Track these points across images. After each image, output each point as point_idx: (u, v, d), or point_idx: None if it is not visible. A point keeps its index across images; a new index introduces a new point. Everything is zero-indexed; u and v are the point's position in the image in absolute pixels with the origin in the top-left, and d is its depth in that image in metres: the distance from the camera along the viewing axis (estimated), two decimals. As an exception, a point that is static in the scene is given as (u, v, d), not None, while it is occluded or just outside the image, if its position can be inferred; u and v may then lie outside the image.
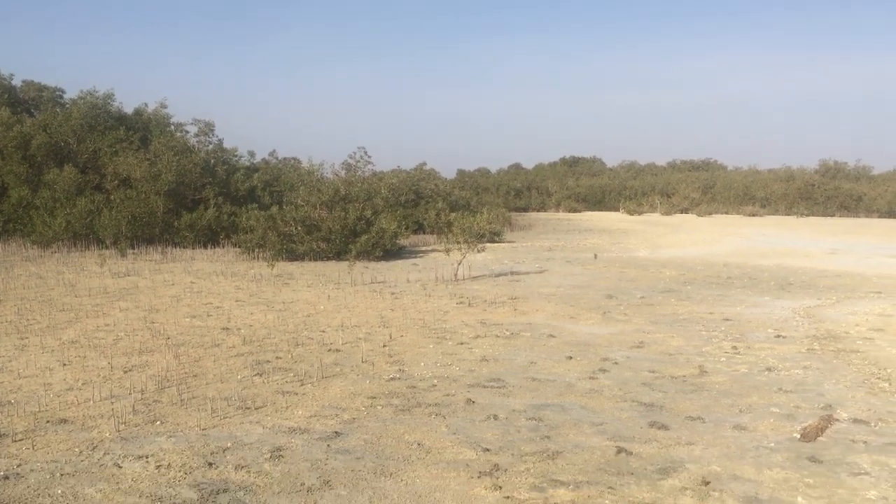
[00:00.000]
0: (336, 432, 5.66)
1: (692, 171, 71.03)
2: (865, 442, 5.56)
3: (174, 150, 24.40)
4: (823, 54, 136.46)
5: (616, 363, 8.04)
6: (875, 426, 5.94)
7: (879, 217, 49.24)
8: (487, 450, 5.32)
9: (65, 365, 7.66)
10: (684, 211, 53.53)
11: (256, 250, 19.33)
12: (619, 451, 5.31)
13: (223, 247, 21.40)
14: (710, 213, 51.74)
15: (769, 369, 7.79)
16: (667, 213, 52.30)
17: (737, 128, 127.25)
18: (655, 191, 59.96)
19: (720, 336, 9.57)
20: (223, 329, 9.71)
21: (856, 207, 51.79)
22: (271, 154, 33.44)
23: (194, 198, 23.68)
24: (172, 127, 28.67)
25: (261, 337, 9.22)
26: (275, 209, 20.86)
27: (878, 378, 7.45)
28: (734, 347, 8.87)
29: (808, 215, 50.56)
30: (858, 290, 14.01)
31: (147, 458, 5.09)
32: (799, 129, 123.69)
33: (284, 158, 35.09)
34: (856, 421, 6.06)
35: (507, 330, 9.86)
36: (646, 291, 13.66)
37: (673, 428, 5.85)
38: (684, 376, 7.50)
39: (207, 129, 27.50)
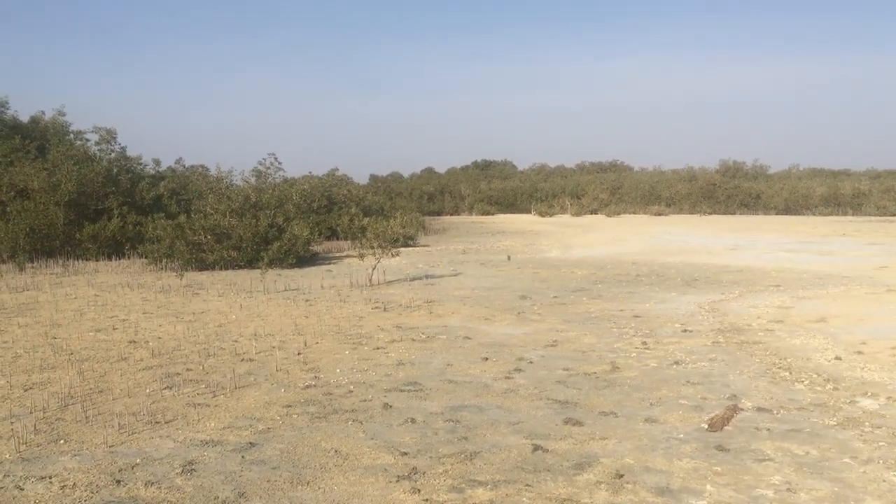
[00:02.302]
0: (250, 443, 5.54)
1: (600, 172, 72.85)
2: (769, 429, 5.79)
3: (74, 159, 23.44)
4: (720, 58, 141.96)
5: (531, 362, 8.14)
6: (777, 414, 6.20)
7: (777, 214, 51.51)
8: (405, 453, 5.30)
9: (-42, 386, 7.26)
10: (594, 212, 54.76)
11: (164, 260, 18.77)
12: (536, 448, 5.38)
13: (129, 258, 20.70)
14: (618, 214, 53.08)
15: (677, 363, 8.04)
16: (577, 215, 53.39)
17: (641, 130, 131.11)
18: (565, 192, 61.15)
19: (630, 332, 9.81)
20: (130, 342, 9.39)
21: (755, 205, 54.04)
22: (178, 162, 32.53)
23: (97, 208, 22.80)
24: (72, 135, 27.56)
25: (170, 349, 8.96)
26: (183, 218, 20.29)
27: (779, 368, 7.77)
28: (644, 343, 9.11)
29: (710, 213, 52.47)
30: (759, 284, 14.60)
31: (50, 478, 4.86)
32: (699, 130, 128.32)
33: (192, 166, 34.17)
34: (759, 409, 6.31)
35: (422, 333, 9.87)
36: (558, 291, 13.90)
37: (587, 424, 5.96)
38: (597, 373, 7.66)
39: (109, 136, 26.52)
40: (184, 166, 32.86)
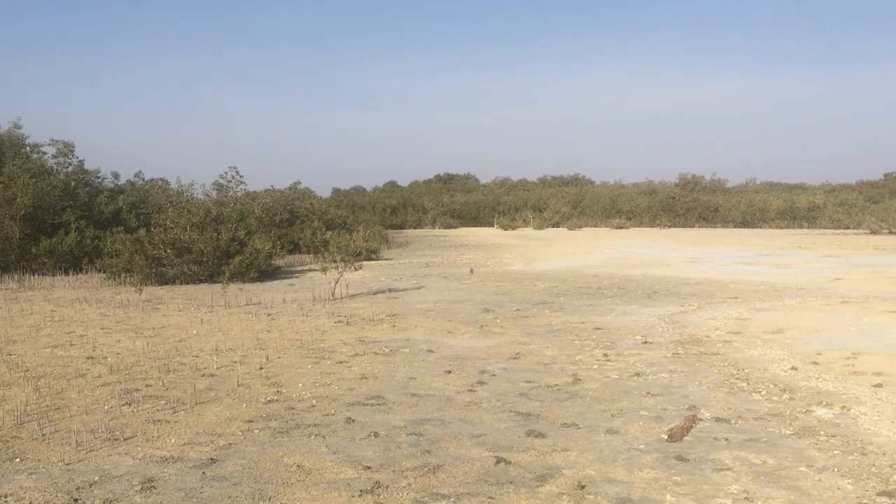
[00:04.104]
0: (211, 459, 5.49)
1: (562, 186, 73.40)
2: (727, 439, 5.89)
3: (30, 172, 23.02)
4: (678, 73, 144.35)
5: (494, 375, 8.18)
6: (735, 423, 6.30)
7: (734, 227, 52.34)
8: (368, 468, 5.29)
9: None
10: (556, 225, 55.13)
11: (123, 275, 18.51)
12: (499, 461, 5.40)
13: (87, 273, 20.35)
14: (580, 227, 53.50)
15: (638, 374, 8.13)
16: (539, 228, 53.71)
17: (602, 144, 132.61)
18: (528, 206, 61.51)
19: (592, 344, 9.90)
20: (88, 358, 9.23)
21: (713, 218, 54.87)
22: (137, 175, 32.15)
23: (54, 222, 22.42)
24: (28, 148, 27.05)
25: (129, 365, 8.83)
26: (142, 232, 20.06)
27: (737, 378, 7.90)
28: (605, 355, 9.20)
29: (670, 226, 53.15)
30: (717, 296, 14.84)
31: (6, 497, 4.76)
32: (659, 144, 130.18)
33: (151, 179, 33.84)
34: (718, 420, 6.41)
35: (385, 347, 9.85)
36: (521, 304, 13.98)
37: (549, 435, 6.01)
38: (559, 385, 7.71)
39: (67, 149, 26.10)
40: (143, 180, 32.53)
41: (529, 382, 7.82)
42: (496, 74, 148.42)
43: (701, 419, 6.41)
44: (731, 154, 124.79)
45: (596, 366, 8.61)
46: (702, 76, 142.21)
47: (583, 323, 11.66)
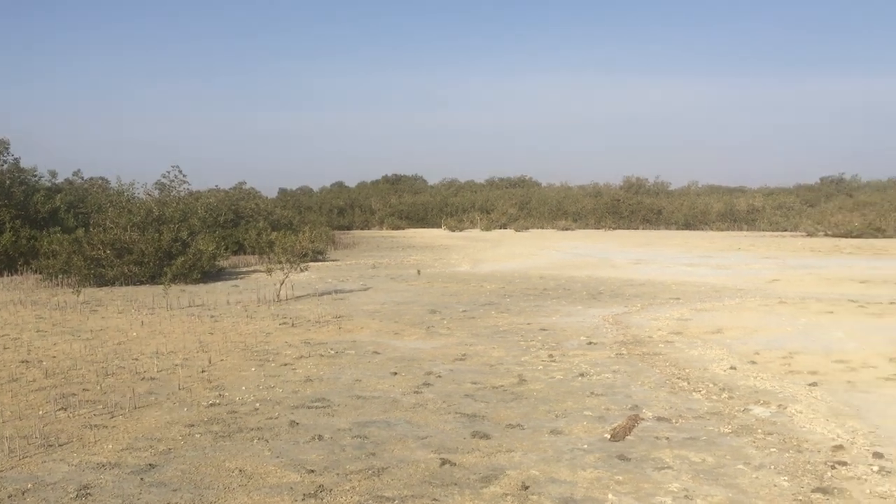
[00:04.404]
0: (150, 464, 5.36)
1: (509, 188, 73.81)
2: (668, 438, 5.98)
3: (-38, 169, 22.33)
4: (623, 76, 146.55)
5: (440, 377, 8.17)
6: (676, 423, 6.41)
7: (677, 229, 53.33)
8: (312, 471, 5.23)
9: None
10: (503, 226, 55.46)
11: (60, 276, 18.03)
12: (444, 462, 5.40)
13: (22, 274, 19.77)
14: (527, 228, 53.95)
15: (582, 375, 8.21)
16: (487, 229, 53.96)
17: (549, 146, 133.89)
18: (475, 207, 61.77)
19: (537, 345, 9.97)
20: (22, 362, 8.96)
21: (657, 220, 55.83)
22: (76, 174, 31.40)
23: (-13, 221, 21.74)
24: (-40, 146, 26.19)
25: (65, 369, 8.59)
26: (80, 232, 19.57)
27: (678, 378, 8.04)
28: (550, 356, 9.28)
29: (615, 228, 53.89)
30: (660, 296, 15.09)
31: (-70, 509, 4.59)
32: (604, 147, 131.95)
33: (91, 178, 33.05)
34: (659, 419, 6.51)
35: (331, 349, 9.77)
36: (468, 305, 14.01)
37: (494, 436, 6.02)
38: (504, 386, 7.75)
39: (1, 147, 25.33)
40: (82, 178, 31.78)
41: (475, 384, 7.84)
42: (442, 77, 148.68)
43: (643, 419, 6.50)
44: (675, 157, 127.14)
45: (541, 366, 8.67)
46: (646, 80, 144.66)
47: (529, 324, 11.74)
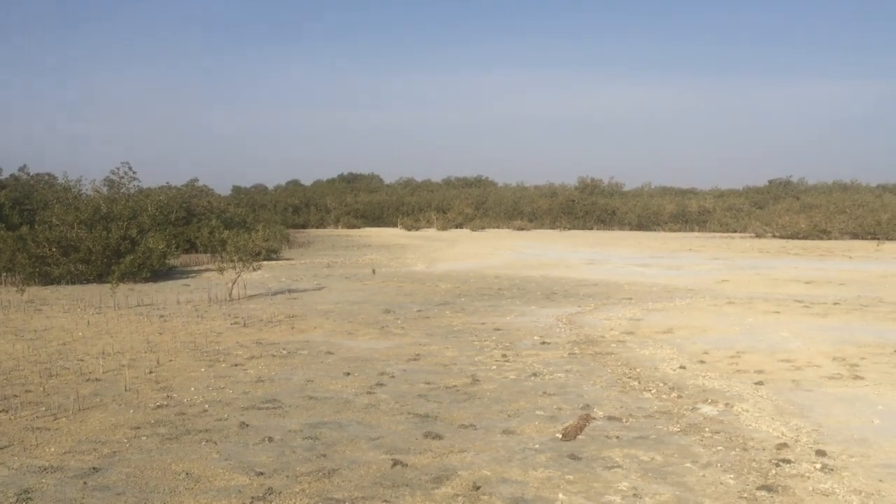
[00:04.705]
0: (94, 468, 5.24)
1: (466, 187, 74.05)
2: (618, 437, 6.04)
3: None
4: (579, 77, 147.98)
5: (393, 377, 8.14)
6: (626, 422, 6.47)
7: (630, 229, 54.03)
8: (261, 473, 5.16)
9: None
10: (459, 226, 55.57)
11: (4, 274, 17.56)
12: (395, 463, 5.37)
13: (-37, 271, 19.20)
14: (483, 228, 54.13)
15: (535, 374, 8.25)
16: (443, 228, 54.01)
17: (505, 146, 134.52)
18: (432, 207, 61.80)
19: (491, 345, 9.99)
20: (-39, 363, 8.69)
21: (611, 221, 56.49)
22: (21, 170, 30.64)
23: (-73, 217, 21.09)
24: None
25: (7, 369, 8.35)
26: (25, 229, 19.06)
27: (629, 377, 8.12)
28: (504, 356, 9.30)
29: (570, 228, 54.39)
30: (613, 297, 15.24)
31: None
32: (560, 148, 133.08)
33: (37, 175, 32.24)
34: (610, 418, 6.56)
35: (283, 349, 9.67)
36: (422, 305, 13.99)
37: (447, 437, 6.01)
38: (458, 386, 7.74)
39: (-56, 141, 24.60)
40: (28, 175, 31.00)
41: (429, 384, 7.82)
42: (399, 74, 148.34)
43: (594, 418, 6.55)
44: (628, 159, 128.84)
45: (495, 366, 8.68)
46: (600, 82, 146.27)
47: (483, 324, 11.76)
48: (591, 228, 54.97)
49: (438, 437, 6.01)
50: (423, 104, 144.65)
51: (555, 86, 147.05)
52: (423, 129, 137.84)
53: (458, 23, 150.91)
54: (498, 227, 55.50)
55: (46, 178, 32.56)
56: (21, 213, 24.35)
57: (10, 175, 29.18)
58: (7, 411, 6.66)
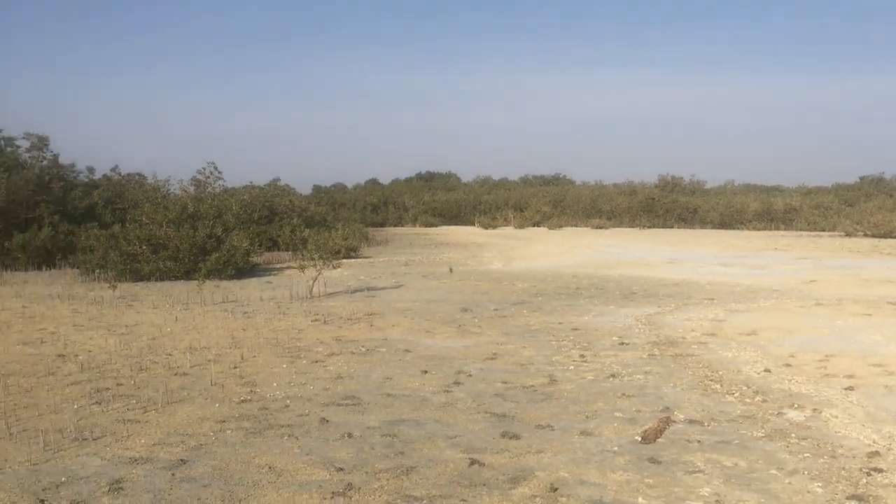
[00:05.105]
0: (181, 460, 5.43)
1: (543, 185, 73.52)
2: (699, 441, 5.91)
3: (3, 166, 22.78)
4: (658, 74, 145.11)
5: (470, 376, 8.16)
6: (708, 426, 6.33)
7: (712, 228, 52.70)
8: (341, 469, 5.25)
9: None
10: (536, 224, 55.23)
11: (97, 271, 18.34)
12: (472, 462, 5.38)
13: (60, 268, 20.17)
14: (560, 226, 53.65)
15: (613, 375, 8.15)
16: (520, 227, 53.78)
17: (584, 144, 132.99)
18: (509, 205, 61.57)
19: (569, 345, 9.91)
20: (59, 356, 9.12)
21: (692, 219, 55.21)
22: (113, 170, 31.87)
23: (27, 217, 22.19)
24: (1, 141, 26.73)
25: (100, 363, 8.73)
26: (117, 227, 19.86)
27: (711, 380, 7.94)
28: (582, 356, 9.22)
29: (649, 227, 53.38)
30: (693, 297, 14.91)
31: (-32, 500, 4.68)
32: (639, 145, 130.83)
33: (128, 174, 33.52)
34: (691, 421, 6.43)
35: (362, 346, 9.81)
36: (499, 304, 13.97)
37: (524, 437, 6.00)
38: (535, 386, 7.71)
39: (41, 143, 25.79)
40: (119, 174, 32.24)
41: (505, 383, 7.81)
42: (478, 74, 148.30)
43: (674, 421, 6.43)
44: (711, 156, 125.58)
45: (572, 367, 8.61)
46: (682, 78, 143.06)
47: (560, 323, 11.67)
48: (672, 227, 53.86)
49: (516, 436, 6.00)
50: (502, 103, 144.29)
51: (634, 82, 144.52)
52: (501, 127, 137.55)
53: (540, 20, 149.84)
54: (576, 226, 54.94)
55: (137, 177, 33.81)
56: (113, 212, 25.35)
57: (103, 175, 30.44)
58: (100, 403, 6.96)
